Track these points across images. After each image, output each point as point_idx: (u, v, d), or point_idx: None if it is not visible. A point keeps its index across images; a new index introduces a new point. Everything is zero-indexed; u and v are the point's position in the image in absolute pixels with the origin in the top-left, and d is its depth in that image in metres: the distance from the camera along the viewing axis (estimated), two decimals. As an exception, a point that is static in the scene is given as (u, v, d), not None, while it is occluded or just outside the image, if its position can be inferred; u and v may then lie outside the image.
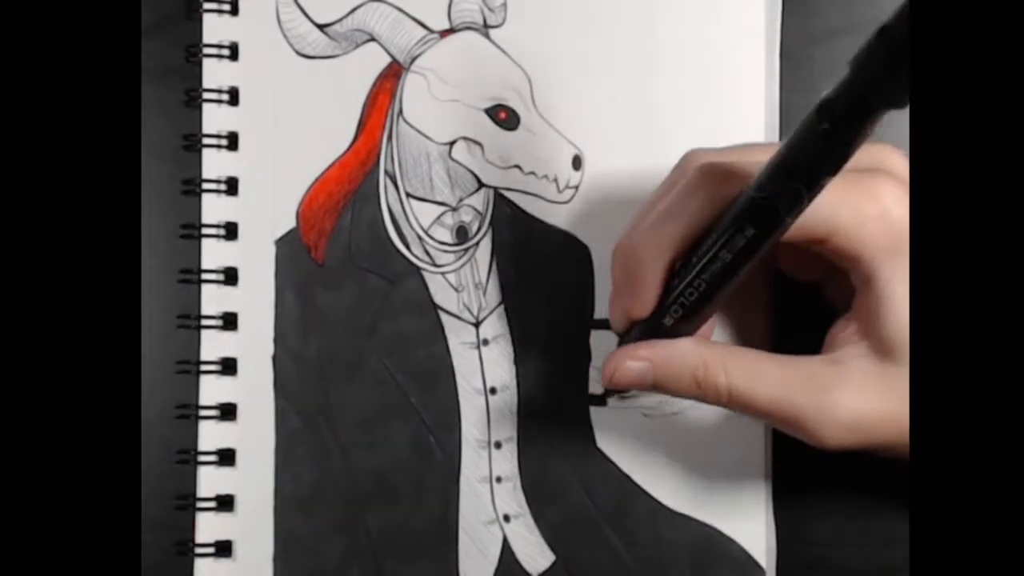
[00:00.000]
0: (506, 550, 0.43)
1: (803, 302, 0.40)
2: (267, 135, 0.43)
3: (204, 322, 0.43)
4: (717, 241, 0.33)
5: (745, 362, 0.37)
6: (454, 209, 0.44)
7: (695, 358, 0.36)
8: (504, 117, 0.44)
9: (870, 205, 0.35)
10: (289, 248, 0.43)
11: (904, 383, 0.35)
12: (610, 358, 0.37)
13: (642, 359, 0.37)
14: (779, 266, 0.41)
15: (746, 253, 0.33)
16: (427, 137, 0.44)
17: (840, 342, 0.37)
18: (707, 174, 0.35)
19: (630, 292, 0.37)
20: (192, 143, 0.43)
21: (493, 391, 0.44)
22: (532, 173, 0.44)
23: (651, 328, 0.37)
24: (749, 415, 0.37)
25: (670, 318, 0.36)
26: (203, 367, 0.43)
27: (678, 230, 0.35)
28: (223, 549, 0.42)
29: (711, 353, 0.36)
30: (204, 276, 0.43)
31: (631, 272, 0.37)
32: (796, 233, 0.34)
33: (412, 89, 0.44)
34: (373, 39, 0.44)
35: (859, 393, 0.35)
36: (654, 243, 0.36)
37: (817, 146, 0.30)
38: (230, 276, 0.43)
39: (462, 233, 0.44)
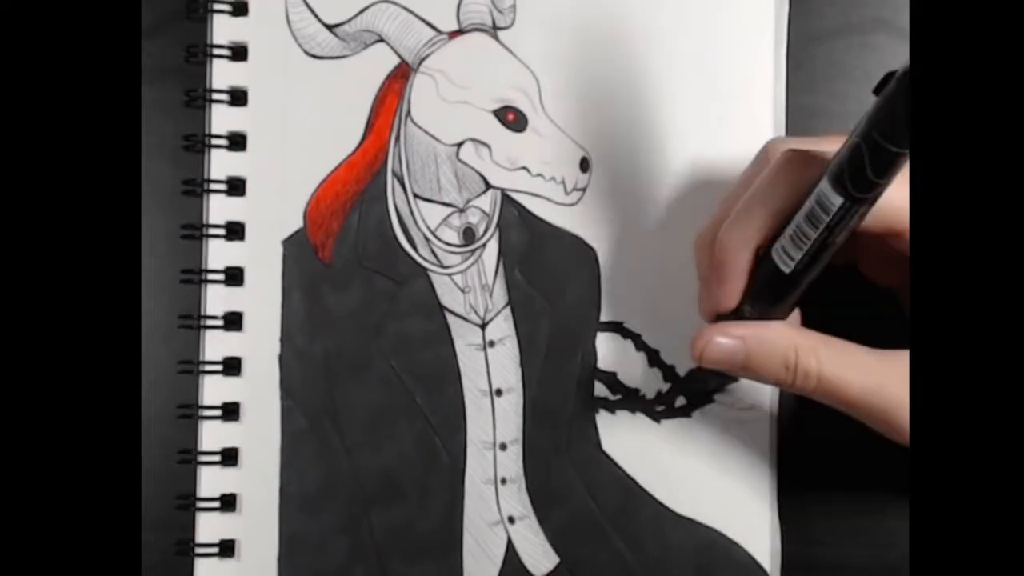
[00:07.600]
0: (510, 552, 0.43)
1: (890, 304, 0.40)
2: (275, 135, 0.44)
3: (208, 322, 0.43)
4: (805, 214, 0.32)
5: (838, 351, 0.36)
6: (461, 210, 0.44)
7: (788, 340, 0.36)
8: (512, 119, 0.44)
9: None
10: (296, 248, 0.43)
11: None
12: (701, 332, 0.37)
13: (735, 337, 0.36)
14: (860, 269, 0.40)
15: (833, 227, 0.32)
16: (435, 138, 0.44)
17: None
18: (791, 160, 0.34)
19: (719, 282, 0.36)
20: (193, 143, 0.43)
21: (499, 393, 0.44)
22: (540, 175, 0.44)
23: (739, 318, 0.37)
24: (836, 404, 0.36)
25: (760, 305, 0.36)
26: (205, 367, 0.43)
27: (764, 217, 0.35)
28: (227, 549, 0.43)
29: (804, 338, 0.36)
30: (210, 276, 0.43)
31: (719, 262, 0.36)
32: (875, 223, 0.33)
33: (420, 90, 0.44)
34: (382, 40, 0.44)
35: None
36: (741, 231, 0.35)
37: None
38: (237, 276, 0.43)
39: (469, 234, 0.44)
